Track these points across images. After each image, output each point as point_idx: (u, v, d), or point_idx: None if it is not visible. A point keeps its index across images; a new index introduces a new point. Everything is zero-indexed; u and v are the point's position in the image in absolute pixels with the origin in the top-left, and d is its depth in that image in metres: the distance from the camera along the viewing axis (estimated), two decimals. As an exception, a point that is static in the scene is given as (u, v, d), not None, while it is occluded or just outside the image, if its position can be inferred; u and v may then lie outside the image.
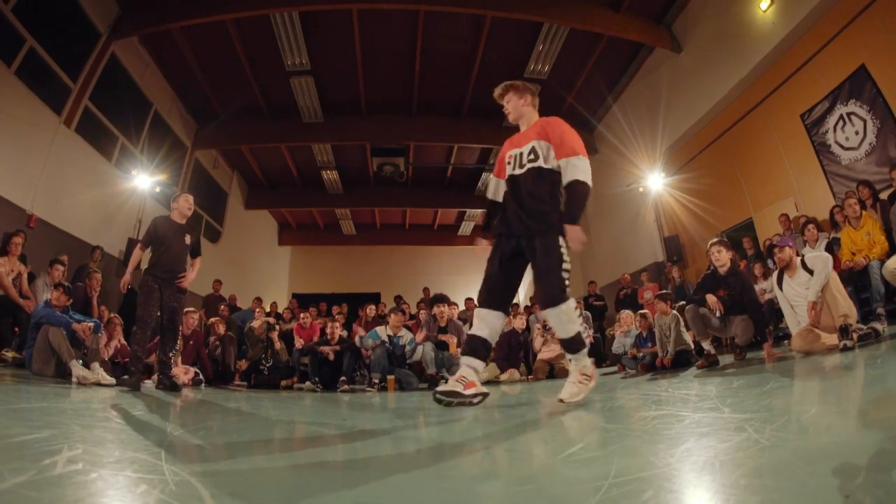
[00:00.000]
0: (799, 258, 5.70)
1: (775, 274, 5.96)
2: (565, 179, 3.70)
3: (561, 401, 3.59)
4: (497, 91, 4.25)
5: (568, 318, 3.65)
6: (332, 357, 8.34)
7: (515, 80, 4.30)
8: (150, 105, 12.82)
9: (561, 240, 3.64)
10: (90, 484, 1.54)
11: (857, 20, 8.53)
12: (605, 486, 1.35)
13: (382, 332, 8.46)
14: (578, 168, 3.66)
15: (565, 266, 3.63)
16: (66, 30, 9.90)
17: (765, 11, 9.79)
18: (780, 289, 5.80)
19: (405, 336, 8.49)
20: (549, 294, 3.63)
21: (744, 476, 1.36)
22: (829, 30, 9.00)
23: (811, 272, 5.42)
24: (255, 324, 9.81)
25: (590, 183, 3.65)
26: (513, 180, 3.96)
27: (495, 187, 4.28)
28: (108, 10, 10.70)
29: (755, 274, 8.67)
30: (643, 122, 13.57)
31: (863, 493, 1.13)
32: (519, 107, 4.18)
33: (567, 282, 3.62)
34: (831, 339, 5.08)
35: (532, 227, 3.71)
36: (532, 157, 3.87)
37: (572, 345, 3.73)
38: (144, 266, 6.47)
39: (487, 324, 3.81)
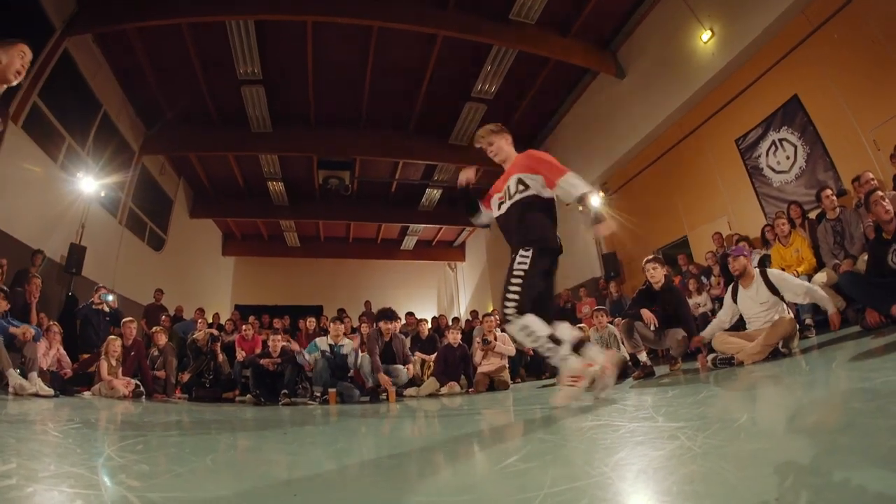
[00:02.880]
0: (758, 270, 5.78)
1: (730, 287, 6.00)
2: (570, 199, 3.97)
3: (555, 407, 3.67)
4: (482, 134, 4.45)
5: (522, 336, 3.77)
6: (272, 368, 8.17)
7: (490, 123, 4.57)
8: (99, 106, 12.34)
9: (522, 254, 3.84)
10: (24, 500, 1.47)
11: (792, 54, 9.00)
12: (541, 496, 1.33)
13: (323, 342, 8.32)
14: (574, 185, 3.90)
15: (514, 282, 3.76)
16: (20, 21, 9.37)
17: (705, 43, 10.18)
18: (735, 301, 5.83)
19: (347, 345, 8.36)
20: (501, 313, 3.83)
21: (676, 483, 1.35)
22: (766, 62, 9.45)
23: (774, 291, 5.50)
24: (199, 335, 9.56)
25: (586, 190, 3.93)
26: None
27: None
28: (65, 5, 10.28)
29: (689, 289, 8.88)
30: (584, 144, 13.89)
31: (792, 495, 1.12)
32: (504, 147, 4.38)
33: (515, 300, 3.71)
34: (749, 348, 5.18)
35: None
36: (521, 187, 4.05)
37: (543, 356, 3.89)
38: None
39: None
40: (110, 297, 9.98)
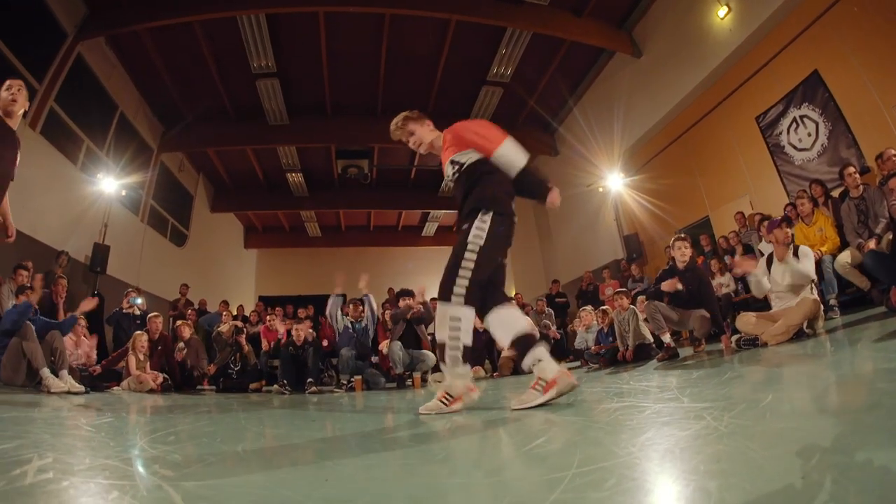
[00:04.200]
0: (791, 246, 5.74)
1: (764, 259, 5.95)
2: (511, 173, 3.45)
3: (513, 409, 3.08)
4: (394, 128, 3.99)
5: (445, 325, 3.20)
6: (300, 342, 8.28)
7: (403, 112, 4.07)
8: (116, 107, 12.51)
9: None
10: (61, 492, 1.49)
11: (811, 28, 8.79)
12: (569, 477, 1.35)
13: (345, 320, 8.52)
14: (512, 158, 3.44)
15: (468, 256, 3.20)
16: (32, 29, 9.56)
17: (722, 19, 10.01)
18: (769, 272, 5.81)
19: (364, 319, 8.58)
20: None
21: (703, 462, 1.37)
22: (784, 37, 9.25)
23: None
24: (223, 328, 9.69)
25: (524, 160, 3.44)
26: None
27: None
28: (76, 10, 10.40)
29: (712, 270, 8.82)
30: (603, 125, 13.74)
31: (818, 474, 1.14)
32: (425, 134, 3.91)
33: (466, 278, 3.17)
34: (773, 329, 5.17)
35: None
36: (456, 167, 3.55)
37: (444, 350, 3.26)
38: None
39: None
40: (139, 301, 10.13)
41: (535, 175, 3.55)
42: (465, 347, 3.20)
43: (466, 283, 3.16)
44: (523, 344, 3.18)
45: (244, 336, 9.48)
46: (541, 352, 3.14)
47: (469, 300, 3.16)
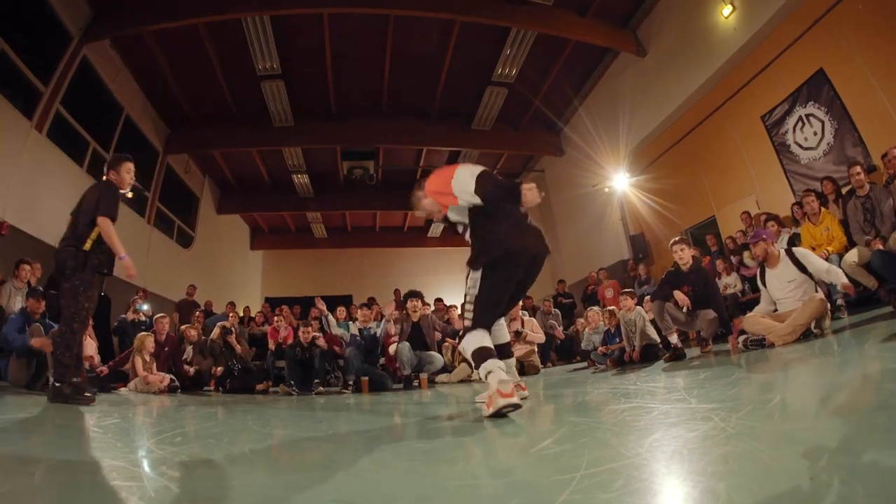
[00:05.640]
0: (783, 249, 5.73)
1: (758, 272, 5.97)
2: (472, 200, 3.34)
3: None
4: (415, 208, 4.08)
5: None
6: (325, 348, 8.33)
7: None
8: (121, 109, 12.49)
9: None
10: (71, 493, 1.51)
11: (816, 27, 8.73)
12: (577, 478, 1.35)
13: (353, 327, 8.51)
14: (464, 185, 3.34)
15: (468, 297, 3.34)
16: (37, 32, 9.56)
17: (726, 18, 9.95)
18: (764, 285, 5.80)
19: (374, 326, 8.55)
20: None
21: (711, 463, 1.37)
22: (789, 36, 9.19)
23: (801, 268, 5.45)
24: (213, 334, 9.67)
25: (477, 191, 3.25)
26: None
27: None
28: (80, 13, 10.37)
29: (718, 270, 8.80)
30: (609, 124, 13.70)
31: (827, 474, 1.14)
32: (426, 206, 3.94)
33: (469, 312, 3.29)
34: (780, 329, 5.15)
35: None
36: (461, 228, 3.66)
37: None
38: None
39: None
40: (145, 307, 10.18)
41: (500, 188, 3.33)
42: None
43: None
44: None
45: (233, 336, 9.42)
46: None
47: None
